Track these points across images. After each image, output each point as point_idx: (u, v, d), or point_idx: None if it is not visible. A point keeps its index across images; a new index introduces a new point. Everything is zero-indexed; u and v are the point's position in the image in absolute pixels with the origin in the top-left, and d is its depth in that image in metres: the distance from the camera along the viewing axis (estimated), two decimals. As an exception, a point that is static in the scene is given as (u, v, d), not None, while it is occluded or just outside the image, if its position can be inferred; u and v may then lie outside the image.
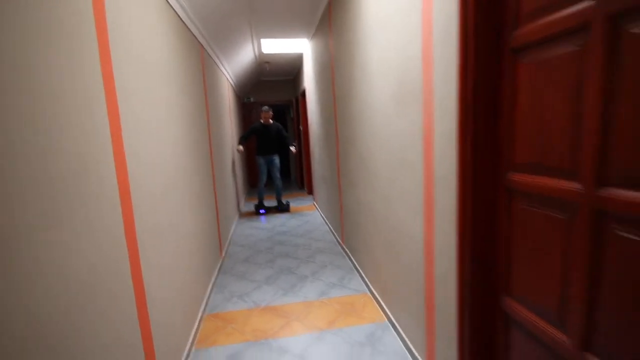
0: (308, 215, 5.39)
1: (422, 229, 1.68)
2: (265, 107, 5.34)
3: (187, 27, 2.75)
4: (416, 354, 1.87)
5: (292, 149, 5.61)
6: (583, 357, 0.93)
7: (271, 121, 5.38)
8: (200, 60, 3.26)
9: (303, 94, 6.36)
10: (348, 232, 3.45)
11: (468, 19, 1.13)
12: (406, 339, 2.01)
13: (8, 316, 0.73)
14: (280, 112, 9.85)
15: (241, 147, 5.24)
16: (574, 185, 0.90)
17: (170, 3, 2.28)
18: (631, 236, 0.78)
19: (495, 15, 1.12)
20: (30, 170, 0.83)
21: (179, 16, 2.50)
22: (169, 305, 1.79)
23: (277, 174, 5.52)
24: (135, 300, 1.38)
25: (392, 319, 2.23)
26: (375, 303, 2.57)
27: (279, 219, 5.25)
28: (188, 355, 2.02)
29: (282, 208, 5.63)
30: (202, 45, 3.34)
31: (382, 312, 2.43)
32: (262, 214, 5.57)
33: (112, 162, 1.26)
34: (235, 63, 5.21)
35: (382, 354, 2.00)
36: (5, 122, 0.76)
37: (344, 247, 3.66)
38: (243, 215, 5.67)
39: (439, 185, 1.47)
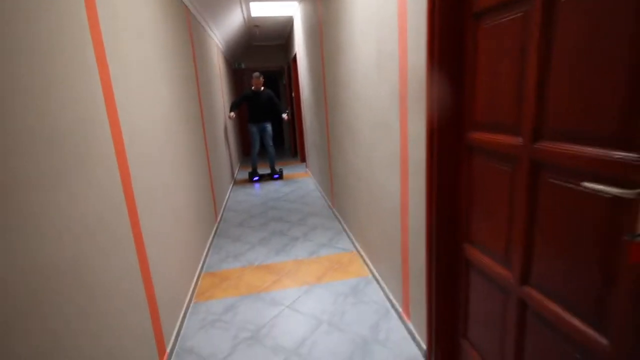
0: (301, 182, 5.53)
1: (399, 186, 1.81)
2: (256, 74, 5.29)
3: (171, -9, 2.73)
4: (394, 300, 2.06)
5: (285, 116, 5.63)
6: (522, 290, 1.09)
7: (262, 88, 5.36)
8: (187, 24, 3.24)
9: (294, 59, 6.29)
10: (337, 196, 3.60)
11: (434, -15, 1.19)
12: (386, 289, 2.20)
13: (16, 264, 0.85)
14: (272, 79, 9.72)
15: (232, 114, 5.26)
16: (516, 140, 1.01)
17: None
18: (560, 182, 0.90)
19: (459, -19, 1.18)
20: (30, 132, 0.92)
21: (162, -20, 2.48)
22: (168, 259, 1.94)
23: (270, 142, 5.58)
24: (137, 252, 1.52)
25: (375, 273, 2.42)
26: (361, 259, 2.76)
27: (272, 186, 5.38)
28: (187, 307, 2.21)
29: (276, 175, 5.73)
30: (188, 8, 3.31)
31: (366, 267, 2.62)
32: (256, 181, 5.69)
33: (106, 123, 1.35)
34: (224, 27, 5.12)
35: (363, 303, 2.19)
36: (3, 89, 0.85)
37: (334, 210, 3.83)
38: (237, 182, 5.80)
39: (411, 145, 1.58)
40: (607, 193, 0.74)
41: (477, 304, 1.36)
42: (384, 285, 2.25)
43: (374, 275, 2.45)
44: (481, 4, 1.11)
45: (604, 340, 0.83)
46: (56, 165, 1.02)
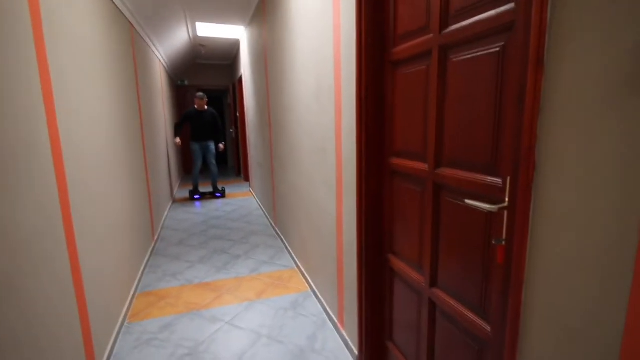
0: (244, 201, 5.54)
1: (335, 205, 1.99)
2: (200, 94, 5.29)
3: (115, 5, 2.73)
4: (330, 312, 2.21)
5: (221, 146, 5.56)
6: (431, 292, 1.30)
7: (206, 107, 5.37)
8: (131, 40, 3.23)
9: (240, 80, 6.40)
10: (279, 214, 3.71)
11: (362, 36, 1.42)
12: (323, 302, 2.34)
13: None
14: (217, 98, 9.68)
15: (178, 140, 5.20)
16: (424, 166, 1.25)
17: (98, -15, 2.28)
18: (453, 200, 1.13)
19: (380, 34, 1.42)
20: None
21: (107, -2, 2.49)
22: (103, 277, 1.89)
23: (213, 160, 5.54)
24: (71, 268, 1.49)
25: (314, 287, 2.55)
26: (301, 276, 2.88)
27: (214, 204, 5.33)
28: (121, 326, 2.13)
29: (218, 194, 5.67)
30: (132, 24, 3.30)
31: (306, 283, 2.74)
32: (197, 199, 5.58)
33: (47, 137, 1.35)
34: (168, 44, 5.10)
35: (302, 316, 2.30)
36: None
37: (276, 228, 3.92)
38: (177, 200, 5.63)
39: (346, 169, 1.78)
40: (481, 208, 0.97)
41: (399, 307, 1.56)
42: (321, 298, 2.38)
43: (312, 290, 2.58)
44: (397, 55, 1.35)
45: (487, 327, 1.05)
46: (4, 180, 1.03)
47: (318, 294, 2.46)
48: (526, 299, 0.83)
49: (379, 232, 1.62)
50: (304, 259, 2.82)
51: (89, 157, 1.84)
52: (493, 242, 0.95)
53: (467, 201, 1.01)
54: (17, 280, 1.10)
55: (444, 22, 1.10)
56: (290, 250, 3.26)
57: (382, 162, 1.54)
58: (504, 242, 0.90)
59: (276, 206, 3.87)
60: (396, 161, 1.44)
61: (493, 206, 0.91)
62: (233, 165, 8.66)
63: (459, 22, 1.05)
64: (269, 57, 3.56)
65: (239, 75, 6.36)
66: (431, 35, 1.15)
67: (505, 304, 0.93)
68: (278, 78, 3.20)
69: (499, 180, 0.94)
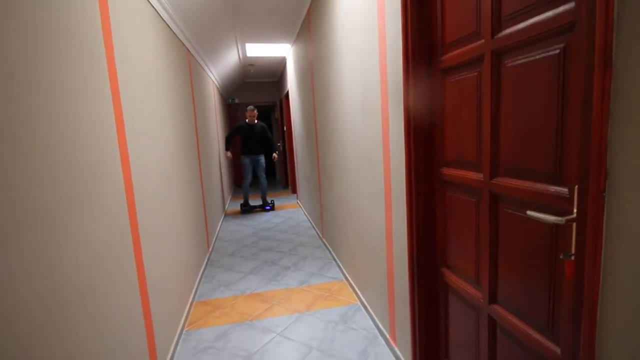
0: (292, 213, 5.65)
1: (384, 217, 1.97)
2: (250, 107, 5.48)
3: (175, 34, 2.98)
4: (381, 326, 2.16)
5: (275, 155, 5.69)
6: (491, 309, 1.23)
7: (256, 121, 5.56)
8: (188, 65, 3.48)
9: (287, 95, 6.60)
10: (327, 226, 3.73)
11: (408, 45, 1.42)
12: (374, 315, 2.29)
13: (41, 276, 0.97)
14: (265, 113, 10.06)
15: (229, 153, 5.39)
16: (478, 176, 1.19)
17: (160, 14, 2.51)
18: (512, 211, 1.07)
19: (428, 41, 1.41)
20: (63, 162, 1.07)
21: (167, 25, 2.72)
22: (164, 287, 2.02)
23: (263, 174, 5.71)
24: (138, 278, 1.62)
25: (364, 300, 2.51)
26: (350, 288, 2.85)
27: (263, 217, 5.49)
28: (180, 334, 2.26)
29: (267, 207, 5.80)
30: (188, 50, 3.57)
31: (355, 296, 2.71)
32: (248, 212, 5.73)
33: (118, 159, 1.50)
34: (220, 66, 5.43)
35: (353, 330, 2.28)
36: (48, 132, 1.00)
37: (324, 240, 3.94)
38: (228, 213, 5.88)
39: (394, 180, 1.76)
40: (546, 220, 0.91)
41: (455, 324, 1.48)
42: (371, 311, 2.34)
43: (362, 303, 2.54)
44: (446, 63, 1.33)
45: (557, 349, 0.97)
46: (79, 193, 1.15)
47: (368, 307, 2.42)
48: (601, 318, 0.75)
49: (431, 245, 1.57)
50: (352, 271, 2.80)
51: (153, 174, 2.01)
52: (561, 257, 0.88)
53: (530, 213, 0.95)
54: (95, 287, 1.22)
55: (496, 27, 1.06)
56: (339, 262, 3.26)
57: (433, 172, 1.50)
58: (573, 257, 0.83)
59: (323, 218, 3.90)
60: (447, 171, 1.40)
61: (559, 218, 0.85)
62: (281, 177, 8.90)
63: (512, 25, 1.00)
64: (314, 71, 3.65)
65: (286, 91, 6.57)
66: (482, 40, 1.12)
67: (577, 324, 0.85)
68: (324, 91, 3.26)
69: (564, 190, 0.88)
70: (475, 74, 1.17)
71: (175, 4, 2.70)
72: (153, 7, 2.32)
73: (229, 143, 5.47)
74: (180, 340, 2.24)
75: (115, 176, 1.47)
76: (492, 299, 1.22)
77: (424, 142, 1.48)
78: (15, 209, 0.85)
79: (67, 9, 1.19)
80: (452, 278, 1.46)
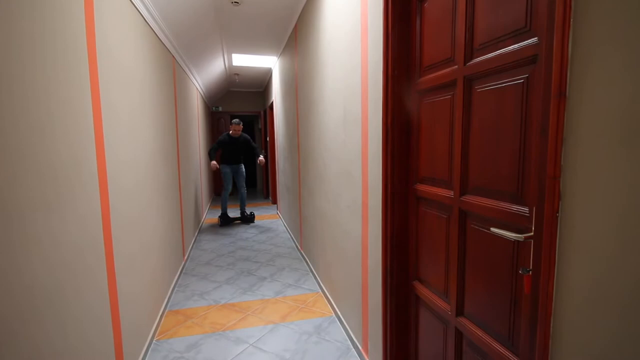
0: (271, 223, 5.62)
1: (360, 230, 2.01)
2: (236, 120, 5.41)
3: (161, 41, 2.98)
4: (354, 338, 2.18)
5: (261, 158, 5.53)
6: (458, 321, 1.27)
7: (239, 133, 5.49)
8: (172, 71, 3.48)
9: (271, 106, 6.65)
10: (306, 238, 3.74)
11: (388, 65, 1.49)
12: (348, 328, 2.31)
13: (9, 279, 0.95)
14: (248, 123, 10.05)
15: (214, 163, 5.21)
16: (449, 193, 1.26)
17: (147, 19, 2.52)
18: (479, 228, 1.13)
19: (407, 65, 1.48)
20: (35, 162, 1.05)
21: (153, 31, 2.73)
22: (136, 293, 1.98)
23: (243, 183, 5.66)
24: (108, 283, 1.58)
25: (339, 312, 2.53)
26: (325, 300, 2.86)
27: (241, 226, 5.44)
28: (150, 344, 2.20)
29: (246, 219, 5.66)
30: (174, 57, 3.57)
31: (330, 308, 2.72)
32: (226, 225, 5.54)
33: (94, 161, 1.48)
34: (205, 74, 5.43)
35: (326, 341, 2.28)
36: (24, 132, 0.99)
37: (302, 252, 3.94)
38: (207, 221, 5.80)
39: (371, 194, 1.81)
40: (507, 237, 0.97)
41: (425, 336, 1.52)
42: (345, 323, 2.36)
43: (337, 315, 2.55)
44: (423, 85, 1.40)
45: (517, 361, 1.02)
46: (51, 194, 1.14)
47: (342, 319, 2.43)
48: (554, 330, 0.81)
49: (405, 258, 1.62)
50: (328, 283, 2.82)
51: (130, 178, 1.98)
52: (520, 272, 0.94)
53: (493, 229, 1.01)
54: (64, 290, 1.19)
55: (469, 54, 1.14)
56: (316, 274, 3.26)
57: (408, 188, 1.56)
58: (530, 272, 0.89)
59: (302, 229, 3.91)
60: (422, 187, 1.46)
61: (519, 235, 0.91)
62: (261, 187, 8.86)
63: (483, 54, 1.08)
64: (299, 84, 3.72)
65: (270, 102, 6.62)
66: (456, 66, 1.19)
67: (534, 336, 0.90)
68: (307, 105, 3.32)
69: (525, 209, 0.94)
70: (449, 97, 1.25)
71: (163, 12, 2.71)
72: (139, 12, 2.33)
73: (212, 155, 5.33)
74: (150, 350, 2.18)
75: (90, 178, 1.46)
76: (459, 311, 1.26)
77: (400, 158, 1.54)
78: (-14, 208, 0.84)
79: (51, 8, 1.20)
80: (423, 291, 1.50)
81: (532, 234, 0.88)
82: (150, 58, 2.57)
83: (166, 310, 2.71)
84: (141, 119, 2.27)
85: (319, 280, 3.12)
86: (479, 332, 1.16)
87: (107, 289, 1.57)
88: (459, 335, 1.27)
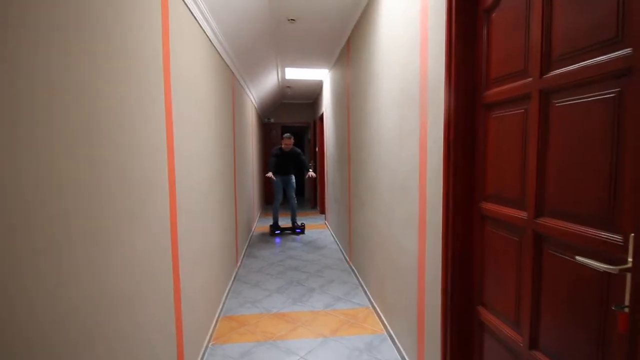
0: (319, 233, 5.65)
1: (416, 246, 1.94)
2: (287, 135, 5.48)
3: (223, 59, 3.16)
4: (408, 359, 2.09)
5: (311, 173, 5.55)
6: (531, 355, 1.17)
7: (291, 147, 5.52)
8: (232, 87, 3.67)
9: (321, 118, 6.74)
10: (355, 250, 3.70)
11: (451, 78, 1.43)
12: (401, 349, 2.22)
13: (94, 289, 1.03)
14: (298, 134, 10.28)
15: (270, 174, 5.27)
16: (522, 214, 1.17)
17: (212, 42, 2.68)
18: (558, 254, 1.03)
19: (472, 77, 1.42)
20: (127, 178, 1.15)
21: (216, 50, 2.90)
22: (196, 299, 2.08)
23: (293, 194, 5.73)
24: (174, 292, 1.67)
25: (390, 331, 2.45)
26: (376, 316, 2.79)
27: (291, 236, 5.52)
28: (206, 348, 2.29)
29: (298, 229, 5.66)
30: (233, 73, 3.76)
31: (381, 325, 2.65)
32: (277, 234, 5.61)
33: (165, 179, 1.59)
34: (259, 87, 5.65)
35: (378, 360, 2.21)
36: (112, 155, 1.09)
37: (351, 264, 3.90)
38: (257, 229, 5.97)
39: (430, 209, 1.74)
40: (596, 267, 0.87)
41: (489, 366, 1.42)
42: (398, 343, 2.27)
43: (388, 333, 2.47)
44: (490, 98, 1.33)
45: (605, 407, 0.90)
46: (136, 206, 1.24)
47: (395, 338, 2.35)
48: (660, 380, 0.70)
49: (467, 280, 1.53)
50: (380, 298, 2.75)
51: (194, 193, 2.10)
52: (613, 308, 0.84)
53: (578, 258, 0.91)
54: (136, 294, 1.28)
55: (545, 66, 1.06)
56: (366, 288, 3.20)
57: (472, 205, 1.48)
58: (626, 309, 0.79)
59: (352, 242, 3.87)
60: (488, 206, 1.37)
61: (612, 267, 0.81)
62: (310, 197, 8.96)
63: (562, 66, 1.00)
64: (351, 96, 3.73)
65: (320, 113, 6.72)
66: (530, 79, 1.12)
67: (631, 383, 0.80)
68: (359, 116, 3.31)
69: (618, 237, 0.84)
70: (522, 111, 1.17)
71: (225, 32, 2.88)
72: (205, 33, 2.49)
73: (272, 169, 5.42)
74: (206, 355, 2.26)
75: (162, 195, 1.56)
76: (533, 344, 1.16)
77: (464, 174, 1.46)
78: (70, 219, 0.93)
79: (135, 38, 1.32)
80: (489, 317, 1.40)
81: (629, 265, 0.78)
82: (214, 75, 2.73)
83: (220, 316, 2.81)
84: (206, 135, 2.41)
85: (369, 295, 3.06)
86: (558, 370, 1.05)
87: (172, 298, 1.67)
88: (533, 369, 1.16)
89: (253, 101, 5.97)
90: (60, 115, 0.87)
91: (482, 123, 1.39)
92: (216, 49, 2.86)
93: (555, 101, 1.03)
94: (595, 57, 0.90)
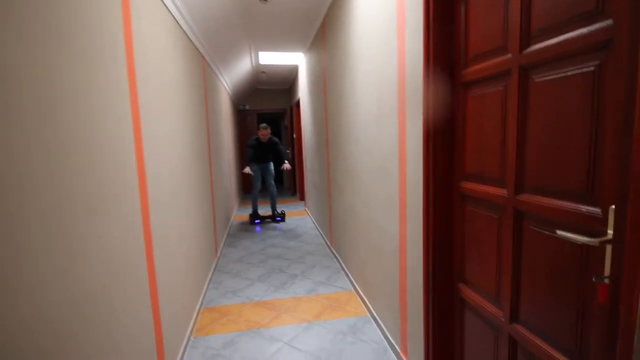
0: (299, 220, 5.62)
1: (397, 228, 1.94)
2: (263, 125, 5.36)
3: (191, 41, 3.01)
4: (392, 339, 2.12)
5: (286, 165, 5.45)
6: (512, 328, 1.19)
7: (268, 137, 5.40)
8: (202, 71, 3.52)
9: (297, 103, 6.63)
10: (336, 235, 3.70)
11: (430, 57, 1.41)
12: (384, 328, 2.25)
13: (62, 286, 0.96)
14: (274, 121, 10.12)
15: (247, 169, 5.20)
16: (502, 191, 1.17)
17: (179, 22, 2.54)
18: (539, 230, 1.04)
19: (449, 55, 1.40)
20: (80, 174, 1.07)
21: (184, 32, 2.75)
22: (174, 291, 2.01)
23: (272, 181, 5.66)
24: (149, 282, 1.61)
25: (374, 312, 2.47)
26: (359, 299, 2.81)
27: (271, 224, 5.47)
28: (188, 341, 2.24)
29: (278, 217, 5.61)
30: (203, 56, 3.60)
31: (364, 307, 2.67)
32: (257, 223, 5.54)
33: (134, 167, 1.50)
34: (233, 73, 5.47)
35: (362, 342, 2.24)
36: (65, 139, 1.00)
37: (332, 249, 3.91)
38: (236, 218, 5.88)
39: (410, 191, 1.74)
40: (578, 241, 0.88)
41: (471, 341, 1.45)
42: (382, 324, 2.30)
43: (372, 314, 2.50)
44: (469, 76, 1.31)
45: (584, 374, 0.93)
46: (96, 198, 1.15)
47: (378, 319, 2.38)
48: (638, 344, 0.72)
49: (448, 259, 1.54)
50: (362, 281, 2.77)
51: (166, 180, 2.01)
52: (593, 280, 0.85)
53: (560, 232, 0.92)
54: (108, 287, 1.21)
55: (525, 42, 1.05)
56: (348, 272, 3.22)
57: (452, 185, 1.48)
58: (606, 280, 0.80)
59: (332, 226, 3.87)
60: (468, 185, 1.38)
61: (593, 239, 0.82)
62: (289, 185, 8.90)
63: (542, 41, 0.99)
64: (327, 79, 3.66)
65: (297, 99, 6.61)
66: (509, 55, 1.10)
67: (612, 351, 0.82)
68: (336, 99, 3.26)
69: (597, 210, 0.85)
70: (501, 88, 1.16)
71: (192, 12, 2.73)
72: (171, 13, 2.35)
73: (249, 162, 5.34)
74: (188, 347, 2.22)
75: (131, 181, 1.47)
76: (514, 317, 1.18)
77: (443, 154, 1.46)
78: (24, 210, 0.85)
79: (90, 13, 1.21)
80: (469, 294, 1.42)
81: (609, 237, 0.79)
82: (181, 58, 2.60)
83: (202, 308, 2.75)
84: (176, 119, 2.30)
85: (352, 279, 3.08)
86: (538, 342, 1.07)
87: (148, 289, 1.60)
88: (513, 343, 1.19)
89: (226, 87, 5.78)
90: (16, 106, 0.78)
91: (462, 102, 1.38)
92: (183, 30, 2.71)
93: (535, 76, 1.02)
94: (575, 29, 0.89)
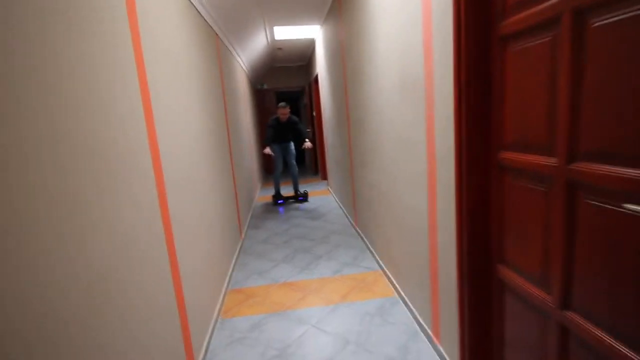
0: (322, 200, 5.55)
1: (426, 205, 1.81)
2: (282, 104, 5.20)
3: (203, 17, 2.89)
4: (422, 322, 2.03)
5: (308, 144, 5.28)
6: (563, 315, 1.06)
7: (287, 116, 5.27)
8: (216, 49, 3.40)
9: (316, 79, 6.43)
10: (360, 214, 3.60)
11: (461, 11, 1.23)
12: (414, 310, 2.16)
13: (72, 271, 0.91)
14: (293, 99, 9.94)
15: (267, 150, 5.10)
16: (550, 160, 1.01)
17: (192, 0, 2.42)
18: (596, 203, 0.89)
19: (485, 6, 1.21)
20: (90, 152, 1.00)
21: (195, 8, 2.63)
22: (198, 274, 1.99)
23: (293, 161, 5.57)
24: (170, 265, 1.57)
25: (402, 293, 2.38)
26: (386, 279, 2.73)
27: (294, 204, 5.43)
28: (215, 322, 2.24)
29: (301, 197, 5.54)
30: (217, 34, 3.48)
31: (392, 288, 2.58)
32: (280, 204, 5.51)
33: (146, 144, 1.43)
34: (249, 51, 5.33)
35: (390, 324, 2.16)
36: (83, 123, 0.93)
37: (357, 228, 3.82)
38: (259, 199, 5.88)
39: (440, 164, 1.59)
40: (650, 215, 0.73)
41: (512, 327, 1.33)
42: (411, 305, 2.21)
43: (400, 296, 2.41)
44: (508, 29, 1.13)
45: (653, 369, 0.80)
46: (106, 181, 1.09)
47: (407, 300, 2.28)
48: None
49: (485, 238, 1.40)
50: (389, 261, 2.67)
51: (183, 161, 1.95)
52: (674, 262, 0.70)
53: (628, 206, 0.77)
54: (120, 274, 1.17)
55: (580, -23, 0.86)
56: (374, 252, 3.13)
57: (489, 156, 1.32)
58: (693, 263, 0.66)
59: (356, 205, 3.77)
60: (507, 155, 1.22)
61: (673, 213, 0.67)
62: (311, 163, 8.81)
63: (604, -27, 0.80)
64: (346, 51, 3.46)
65: (315, 75, 6.40)
66: (559, -4, 0.92)
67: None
68: (356, 72, 3.08)
69: (679, 178, 0.69)
70: (548, 39, 0.98)
71: (201, -15, 2.59)
72: (179, -12, 2.23)
73: (269, 142, 5.22)
74: (215, 329, 2.22)
75: (145, 163, 1.41)
76: (566, 304, 1.05)
77: (479, 122, 1.30)
78: (30, 197, 0.79)
79: (86, -13, 1.11)
80: (510, 275, 1.29)
81: (700, 212, 0.64)
82: (194, 36, 2.49)
83: (228, 289, 2.76)
84: (189, 99, 2.22)
85: (378, 258, 2.98)
86: (597, 332, 0.94)
87: (169, 273, 1.57)
88: (564, 331, 1.06)
89: (243, 67, 5.66)
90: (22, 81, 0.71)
91: (499, 59, 1.20)
92: (194, 6, 2.59)
93: (593, 20, 0.84)
94: (653, -49, 0.70)
